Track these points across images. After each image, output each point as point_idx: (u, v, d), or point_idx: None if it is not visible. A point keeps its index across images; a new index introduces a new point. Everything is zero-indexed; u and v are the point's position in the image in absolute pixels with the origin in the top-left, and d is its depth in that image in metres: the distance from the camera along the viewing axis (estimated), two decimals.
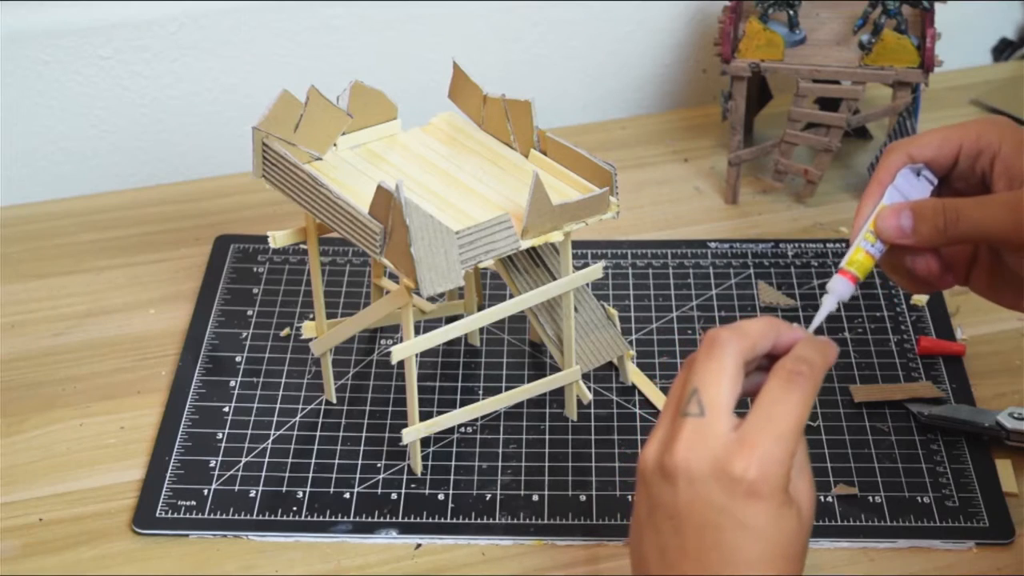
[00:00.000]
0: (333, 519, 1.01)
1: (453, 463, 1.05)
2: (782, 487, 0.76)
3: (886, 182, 0.89)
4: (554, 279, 1.03)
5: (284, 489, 1.03)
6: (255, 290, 1.21)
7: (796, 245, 1.25)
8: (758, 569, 0.75)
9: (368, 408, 1.09)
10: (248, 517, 1.01)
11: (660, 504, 0.77)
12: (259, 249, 1.25)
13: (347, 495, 1.03)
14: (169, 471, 1.04)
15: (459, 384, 1.11)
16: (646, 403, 1.09)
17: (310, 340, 1.09)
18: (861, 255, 0.88)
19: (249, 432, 1.07)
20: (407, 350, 0.99)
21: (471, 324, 1.01)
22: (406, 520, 1.00)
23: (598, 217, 0.98)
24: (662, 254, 1.24)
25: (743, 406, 0.78)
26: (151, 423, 1.09)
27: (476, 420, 1.07)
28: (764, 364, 0.81)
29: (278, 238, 1.04)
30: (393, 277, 1.13)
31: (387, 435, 1.07)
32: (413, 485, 1.03)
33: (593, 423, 1.08)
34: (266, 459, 1.05)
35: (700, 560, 0.76)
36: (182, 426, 1.08)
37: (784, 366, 0.78)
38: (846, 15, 1.32)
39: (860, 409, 1.09)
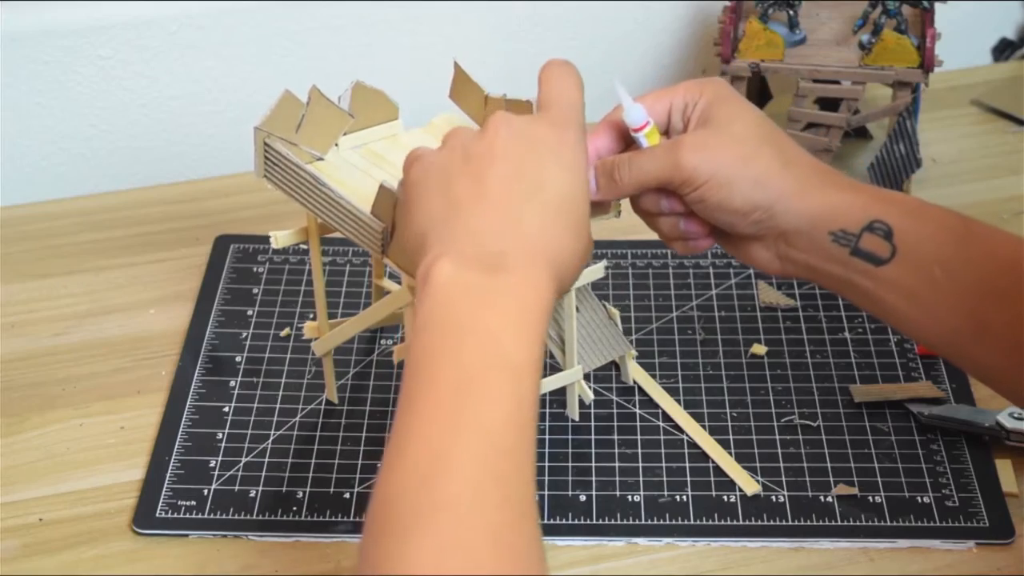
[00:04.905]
0: (333, 519, 1.01)
1: None
2: (581, 124, 0.87)
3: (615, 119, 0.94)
4: None
5: (284, 489, 1.03)
6: (255, 290, 1.21)
7: None
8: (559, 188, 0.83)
9: (368, 408, 1.09)
10: (248, 517, 1.01)
11: (476, 152, 0.84)
12: (259, 249, 1.25)
13: (347, 495, 1.02)
14: (169, 471, 1.04)
15: None
16: (646, 403, 1.09)
17: (312, 340, 1.09)
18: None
19: (249, 432, 1.07)
20: (407, 350, 0.98)
21: None
22: None
23: (600, 217, 0.98)
24: (662, 254, 1.24)
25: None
26: (151, 423, 1.09)
27: None
28: None
29: (280, 238, 1.04)
30: (394, 277, 1.13)
31: (387, 435, 1.07)
32: None
33: (593, 423, 1.08)
34: (266, 459, 1.05)
35: (510, 186, 0.82)
36: (182, 426, 1.08)
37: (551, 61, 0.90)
38: (846, 15, 1.32)
39: (860, 409, 1.09)
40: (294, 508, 1.01)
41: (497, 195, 0.82)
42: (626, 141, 0.94)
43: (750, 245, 0.92)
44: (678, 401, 1.09)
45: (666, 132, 0.93)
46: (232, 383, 1.12)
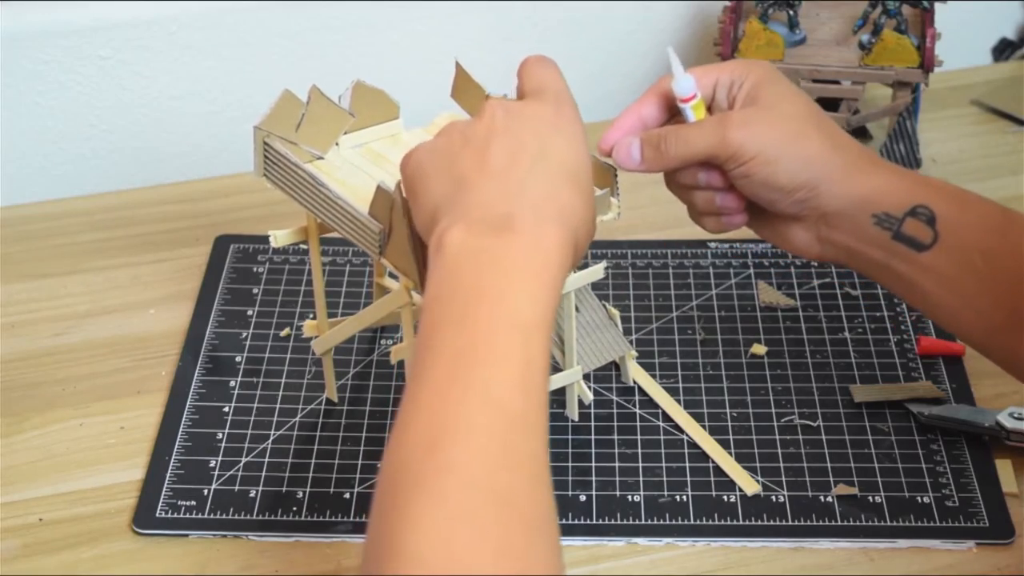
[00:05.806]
0: (333, 519, 1.01)
1: None
2: (572, 102, 0.88)
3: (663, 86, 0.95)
4: None
5: (284, 489, 1.03)
6: (255, 290, 1.21)
7: None
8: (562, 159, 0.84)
9: (368, 408, 1.09)
10: (248, 517, 1.01)
11: (475, 133, 0.85)
12: (259, 249, 1.25)
13: (347, 495, 1.02)
14: (169, 471, 1.04)
15: None
16: (646, 403, 1.09)
17: (311, 339, 1.09)
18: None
19: (249, 432, 1.07)
20: (407, 350, 0.99)
21: None
22: None
23: (599, 218, 0.98)
24: (662, 254, 1.24)
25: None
26: (151, 423, 1.09)
27: None
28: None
29: (279, 237, 1.04)
30: (395, 276, 1.13)
31: (387, 435, 1.07)
32: None
33: (593, 423, 1.08)
34: (266, 459, 1.05)
35: (512, 157, 0.83)
36: (182, 426, 1.08)
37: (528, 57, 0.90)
38: (846, 15, 1.32)
39: (860, 409, 1.09)
40: (294, 508, 1.01)
41: (500, 167, 0.82)
42: (671, 112, 0.94)
43: (789, 227, 0.93)
44: (678, 401, 1.09)
45: (709, 108, 0.94)
46: (232, 383, 1.12)
